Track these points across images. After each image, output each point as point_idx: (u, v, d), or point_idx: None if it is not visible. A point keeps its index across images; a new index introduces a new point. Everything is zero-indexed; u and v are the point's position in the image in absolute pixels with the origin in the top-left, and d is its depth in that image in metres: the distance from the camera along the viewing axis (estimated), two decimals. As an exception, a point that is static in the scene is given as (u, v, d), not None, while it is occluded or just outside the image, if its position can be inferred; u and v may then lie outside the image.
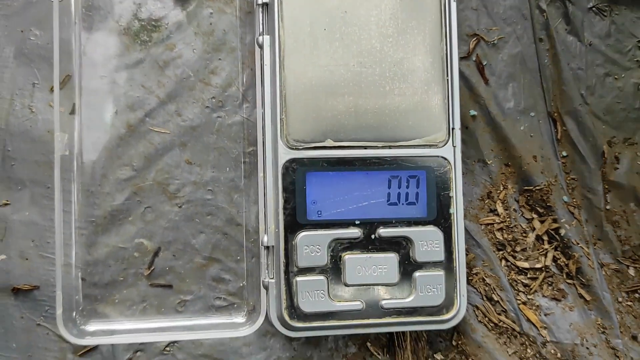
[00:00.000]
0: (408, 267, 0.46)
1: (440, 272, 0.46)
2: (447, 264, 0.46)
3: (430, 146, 0.46)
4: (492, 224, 0.51)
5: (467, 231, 0.49)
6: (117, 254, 0.47)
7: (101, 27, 0.47)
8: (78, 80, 0.47)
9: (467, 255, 0.49)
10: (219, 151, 0.48)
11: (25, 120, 0.47)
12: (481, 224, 0.51)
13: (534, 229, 0.51)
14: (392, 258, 0.46)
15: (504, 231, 0.51)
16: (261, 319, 0.45)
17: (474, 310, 0.50)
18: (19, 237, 0.47)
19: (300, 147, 0.45)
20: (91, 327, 0.46)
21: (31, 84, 0.48)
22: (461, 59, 0.50)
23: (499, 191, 0.51)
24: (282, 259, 0.45)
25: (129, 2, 0.48)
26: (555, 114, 0.52)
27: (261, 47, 0.46)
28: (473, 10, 0.52)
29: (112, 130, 0.47)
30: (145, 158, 0.47)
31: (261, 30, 0.46)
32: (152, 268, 0.47)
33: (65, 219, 0.46)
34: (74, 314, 0.46)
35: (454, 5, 0.47)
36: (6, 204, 0.47)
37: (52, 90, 0.47)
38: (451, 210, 0.46)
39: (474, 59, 0.52)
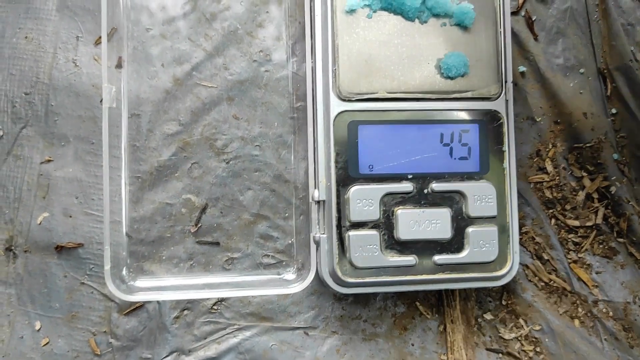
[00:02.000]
0: (461, 223, 0.45)
1: (494, 228, 0.46)
2: (500, 220, 0.46)
3: (482, 99, 0.46)
4: (542, 182, 0.51)
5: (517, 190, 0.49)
6: (163, 210, 0.47)
7: (146, -21, 0.47)
8: (125, 32, 0.46)
9: (517, 213, 0.49)
10: (267, 106, 0.48)
11: (69, 74, 0.47)
12: (530, 182, 0.51)
13: (583, 187, 0.51)
14: (445, 213, 0.45)
15: (554, 189, 0.51)
16: (311, 276, 0.45)
17: (524, 270, 0.50)
18: (63, 194, 0.47)
19: (353, 99, 0.44)
20: (139, 284, 0.46)
21: (75, 37, 0.47)
22: (511, 14, 0.50)
23: (548, 149, 0.51)
24: (335, 213, 0.44)
25: (175, -46, 0.47)
26: (605, 71, 0.51)
27: (311, -3, 0.45)
28: (521, -35, 0.51)
29: (159, 84, 0.47)
30: (192, 113, 0.47)
31: (312, -21, 0.46)
32: (199, 225, 0.47)
33: (111, 174, 0.45)
34: (122, 271, 0.46)
35: (506, -41, 0.47)
36: (49, 161, 0.47)
37: (97, 43, 0.47)
38: (504, 165, 0.46)
39: (523, 14, 0.51)
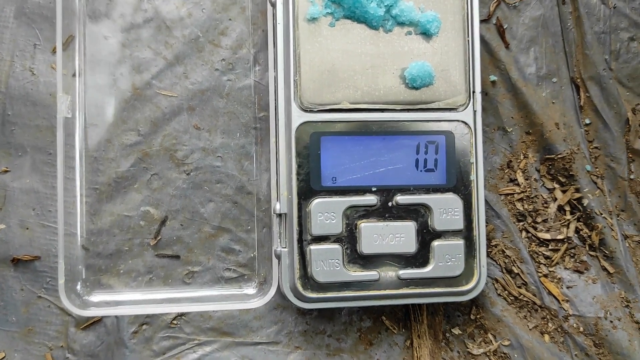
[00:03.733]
0: (426, 236, 0.44)
1: (460, 242, 0.44)
2: (467, 233, 0.45)
3: (450, 110, 0.45)
4: (512, 194, 0.50)
5: (486, 202, 0.47)
6: (122, 222, 0.45)
7: (105, -14, 0.46)
8: (81, 41, 0.45)
9: (486, 226, 0.47)
10: (229, 116, 0.46)
11: (26, 82, 0.45)
12: (501, 194, 0.50)
13: (555, 199, 0.50)
14: (409, 226, 0.44)
15: (525, 201, 0.49)
16: (273, 290, 0.44)
17: (493, 284, 0.49)
18: (19, 205, 0.45)
19: (315, 110, 0.43)
20: (95, 298, 0.45)
21: (32, 45, 0.46)
22: (481, 22, 0.49)
23: (519, 160, 0.50)
24: (296, 227, 0.43)
25: (134, -41, 0.46)
26: (578, 80, 0.50)
27: (274, 5, 0.44)
28: (493, -29, 0.50)
29: (117, 93, 0.45)
30: (151, 123, 0.46)
31: (273, -12, 0.45)
32: (158, 238, 0.46)
33: (67, 185, 0.44)
34: (77, 285, 0.44)
35: (474, -37, 0.46)
36: (6, 171, 0.45)
37: (54, 51, 0.46)
38: (471, 177, 0.45)
39: (494, 21, 0.50)
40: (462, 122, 0.45)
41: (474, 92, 0.45)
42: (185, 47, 0.46)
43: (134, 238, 0.45)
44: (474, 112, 0.45)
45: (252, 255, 0.46)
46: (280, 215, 0.44)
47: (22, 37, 0.46)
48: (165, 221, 0.46)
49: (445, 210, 0.44)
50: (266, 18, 0.46)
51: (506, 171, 0.50)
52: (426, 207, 0.44)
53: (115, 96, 0.45)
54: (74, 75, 0.45)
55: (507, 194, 0.50)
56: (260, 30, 0.47)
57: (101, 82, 0.45)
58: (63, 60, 0.43)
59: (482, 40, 0.49)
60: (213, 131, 0.46)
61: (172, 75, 0.46)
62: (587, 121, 0.50)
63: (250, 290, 0.46)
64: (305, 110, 0.43)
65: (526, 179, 0.50)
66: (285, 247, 0.44)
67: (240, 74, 0.47)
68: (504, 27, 0.50)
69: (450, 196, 0.45)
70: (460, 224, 0.44)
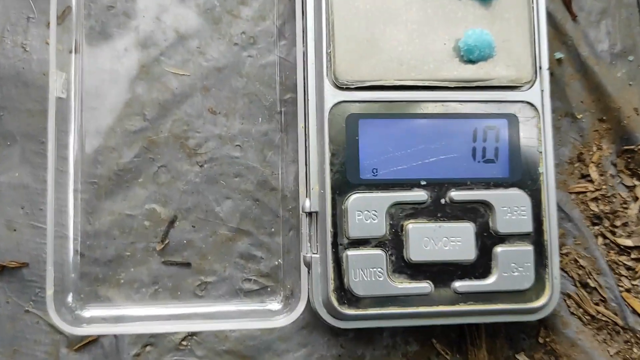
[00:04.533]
0: (487, 241, 0.37)
1: (529, 247, 0.37)
2: (536, 237, 0.37)
3: (513, 88, 0.38)
4: (585, 192, 0.42)
5: (554, 201, 0.40)
6: (123, 223, 0.39)
7: (108, -51, 0.40)
8: (80, 12, 0.39)
9: (555, 230, 0.40)
10: (250, 98, 0.40)
11: (17, 61, 0.40)
12: (571, 193, 0.42)
13: (637, 199, 0.42)
14: (467, 228, 0.37)
15: (600, 201, 0.42)
16: (301, 306, 0.37)
17: (565, 300, 0.41)
18: (6, 203, 0.39)
19: (352, 87, 0.36)
20: (90, 313, 0.38)
21: (25, 17, 0.40)
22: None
23: (592, 152, 0.42)
24: (330, 228, 0.36)
25: None
26: (659, 58, 0.43)
27: (303, -32, 0.38)
28: None
29: (120, 71, 0.39)
30: (159, 105, 0.40)
31: (303, -50, 0.39)
32: (166, 242, 0.39)
33: (59, 179, 0.38)
34: (69, 297, 0.38)
35: None
36: (-9, 163, 0.39)
37: (49, 25, 0.40)
38: (540, 170, 0.37)
39: (559, -10, 0.43)
40: (528, 103, 0.38)
41: (540, 67, 0.38)
42: (199, 18, 0.40)
43: (137, 242, 0.39)
44: (542, 91, 0.38)
45: (276, 263, 0.39)
46: (310, 214, 0.37)
47: (14, 9, 0.40)
48: (174, 222, 0.39)
49: (510, 208, 0.37)
50: (293, -15, 0.40)
51: (576, 165, 0.42)
52: (486, 204, 0.37)
53: (117, 75, 0.39)
54: (70, 51, 0.39)
55: (579, 193, 0.42)
56: (286, -1, 0.41)
57: (102, 58, 0.39)
58: (58, 34, 0.38)
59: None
60: (231, 116, 0.40)
61: (184, 50, 0.40)
62: (672, 106, 0.43)
63: (275, 305, 0.39)
64: (341, 88, 0.36)
65: (601, 175, 0.42)
66: (316, 253, 0.36)
67: (262, 49, 0.40)
68: (571, -3, 0.43)
69: (515, 192, 0.37)
70: (528, 226, 0.37)
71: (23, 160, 0.39)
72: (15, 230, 0.39)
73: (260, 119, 0.40)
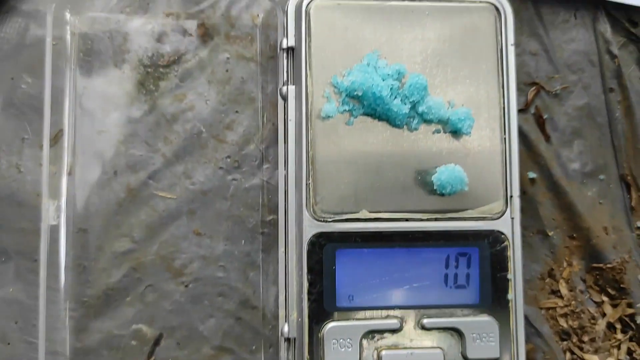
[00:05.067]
0: (457, 365, 0.39)
1: (496, 372, 0.39)
2: (504, 362, 0.39)
3: (483, 218, 0.39)
4: (555, 308, 0.44)
5: (525, 317, 0.41)
6: (111, 341, 0.40)
7: (101, 74, 0.41)
8: (72, 135, 0.41)
9: (525, 344, 0.41)
10: (234, 220, 0.42)
11: (11, 181, 0.41)
12: (541, 308, 0.44)
13: (604, 315, 0.43)
14: (437, 355, 0.38)
15: (569, 317, 0.43)
16: None
17: (534, 413, 0.43)
18: (1, 317, 0.41)
19: (330, 219, 0.38)
20: None
21: (20, 139, 0.42)
22: (518, 111, 0.43)
23: (562, 268, 0.44)
24: (306, 355, 0.37)
25: (134, 46, 0.42)
26: (629, 177, 0.44)
27: (285, 98, 0.40)
28: (531, 55, 0.45)
29: (110, 194, 0.41)
30: (147, 228, 0.41)
31: (285, 79, 0.40)
32: (152, 359, 0.40)
33: (52, 298, 0.40)
34: (58, 415, 0.39)
35: (512, 50, 0.41)
36: (-13, 278, 0.41)
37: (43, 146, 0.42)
38: (509, 296, 0.39)
39: (532, 111, 0.45)
40: (498, 232, 0.39)
41: (511, 196, 0.40)
42: (186, 143, 0.42)
43: (125, 359, 0.40)
44: (512, 219, 0.40)
45: (257, 379, 0.41)
46: (288, 339, 0.38)
47: (9, 130, 0.42)
48: (160, 340, 0.40)
49: (479, 335, 0.38)
50: (277, 111, 0.41)
51: (547, 281, 0.44)
52: (457, 331, 0.38)
53: (107, 198, 0.41)
54: (62, 174, 0.40)
55: (549, 308, 0.44)
56: (270, 123, 0.42)
57: (92, 181, 0.41)
58: (51, 157, 0.39)
59: (520, 132, 0.43)
60: (215, 237, 0.41)
61: (171, 174, 0.41)
62: (639, 224, 0.44)
63: (255, 423, 0.41)
64: (319, 220, 0.38)
65: (570, 291, 0.44)
66: (294, 377, 0.38)
67: (247, 173, 0.42)
68: (544, 118, 0.44)
69: (485, 318, 0.39)
70: (496, 352, 0.38)
71: (17, 277, 0.41)
72: (9, 344, 0.40)
73: (243, 240, 0.41)
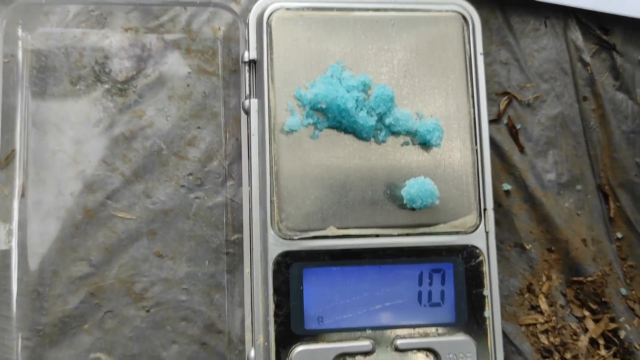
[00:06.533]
0: (433, 388, 0.38)
1: (474, 394, 0.38)
2: (483, 383, 0.38)
3: (457, 233, 0.39)
4: (535, 324, 0.43)
5: (504, 335, 0.41)
6: (68, 372, 0.39)
7: (55, 92, 0.41)
8: (25, 155, 0.40)
9: (505, 364, 0.41)
10: (197, 240, 0.41)
11: (-40, 205, 0.40)
12: (521, 325, 0.43)
13: (586, 330, 0.43)
14: (412, 377, 0.37)
15: (550, 333, 0.43)
16: None
17: None
18: (-51, 349, 0.39)
19: (296, 237, 0.37)
20: None
21: (-30, 160, 0.41)
22: (490, 122, 0.43)
23: (541, 283, 0.43)
24: (274, 382, 0.36)
25: (90, 61, 0.41)
26: (606, 187, 0.44)
27: (247, 112, 0.39)
28: (502, 64, 0.45)
29: (66, 216, 0.40)
30: (105, 250, 0.40)
31: (248, 92, 0.40)
32: (111, 389, 0.39)
33: (4, 325, 0.38)
34: None
35: (481, 59, 0.41)
36: None
37: (-6, 168, 0.40)
38: (486, 314, 0.38)
39: (505, 122, 0.44)
40: (472, 246, 0.39)
41: (485, 209, 0.39)
42: (145, 161, 0.41)
43: (82, 390, 0.39)
44: (486, 233, 0.39)
45: (224, 409, 0.40)
46: (255, 364, 0.37)
47: (-42, 152, 0.41)
48: (120, 369, 0.39)
49: (456, 355, 0.38)
50: (240, 126, 0.41)
51: (526, 296, 0.43)
52: (432, 352, 0.38)
53: (63, 220, 0.39)
54: (14, 196, 0.39)
55: (529, 325, 0.43)
56: (234, 138, 0.42)
57: (47, 203, 0.39)
58: (2, 179, 0.38)
59: (493, 143, 0.43)
60: (178, 259, 0.40)
61: (130, 194, 0.40)
62: (619, 235, 0.44)
63: None
64: (285, 238, 0.37)
65: (550, 306, 0.43)
66: (261, 404, 0.37)
67: (210, 191, 0.41)
68: (517, 128, 0.44)
69: (461, 337, 0.38)
70: (474, 373, 0.38)
71: (-34, 306, 0.40)
72: (-42, 378, 0.39)
73: (207, 261, 0.40)
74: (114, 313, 0.39)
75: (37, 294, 0.39)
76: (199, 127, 0.41)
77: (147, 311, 0.40)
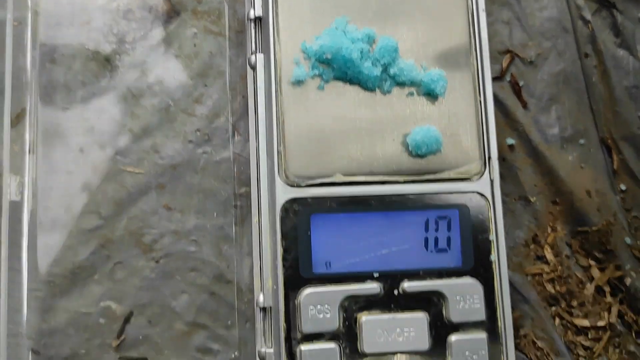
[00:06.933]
0: (441, 330, 0.38)
1: (482, 335, 0.38)
2: (490, 325, 0.38)
3: (462, 180, 0.39)
4: (541, 274, 0.43)
5: (511, 284, 0.41)
6: (79, 320, 0.40)
7: (64, 51, 0.42)
8: (35, 113, 0.41)
9: (512, 312, 0.41)
10: (205, 194, 0.41)
11: (-27, 161, 0.41)
12: (527, 275, 0.43)
13: (592, 279, 0.43)
14: (420, 319, 0.38)
15: (556, 282, 0.43)
16: None
17: (525, 383, 0.42)
18: (-40, 301, 0.40)
19: (303, 184, 0.38)
20: (45, 414, 0.38)
21: (-18, 119, 0.42)
22: (493, 79, 0.44)
23: (546, 234, 0.44)
24: (283, 323, 0.37)
25: (98, 21, 0.42)
26: (609, 141, 0.45)
27: (254, 67, 0.40)
28: (504, 23, 0.46)
29: (76, 171, 0.41)
30: (115, 204, 0.41)
31: (254, 48, 0.41)
32: (122, 337, 0.40)
33: (13, 278, 0.39)
34: (23, 399, 0.38)
35: (483, 16, 0.42)
36: (-52, 263, 0.40)
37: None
38: (492, 258, 0.39)
39: (508, 79, 0.45)
40: (478, 193, 0.39)
41: (489, 158, 0.40)
42: (154, 117, 0.42)
43: (93, 338, 0.39)
44: (491, 181, 0.40)
45: (233, 355, 0.40)
46: (264, 309, 0.38)
47: (-29, 111, 0.42)
48: (130, 318, 0.40)
49: (463, 297, 0.38)
50: (246, 83, 0.42)
51: (532, 247, 0.44)
52: (439, 294, 0.38)
53: (72, 175, 0.41)
54: (25, 152, 0.40)
55: (535, 274, 0.43)
56: (240, 96, 0.43)
57: (57, 159, 0.41)
58: (13, 136, 0.39)
59: (496, 100, 0.44)
60: (186, 211, 0.41)
61: (138, 149, 0.41)
62: (623, 187, 0.45)
63: (232, 401, 0.40)
64: (292, 185, 0.38)
65: (556, 256, 0.44)
66: (270, 348, 0.37)
67: (217, 146, 0.42)
68: (520, 85, 0.45)
69: (468, 281, 0.39)
70: (481, 314, 0.38)
71: (-21, 260, 0.40)
72: (-29, 330, 0.40)
73: (215, 213, 0.41)
74: (123, 264, 0.40)
75: (47, 247, 0.40)
76: (205, 85, 0.43)
77: (157, 262, 0.41)
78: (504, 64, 0.45)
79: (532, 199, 0.44)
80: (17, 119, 0.40)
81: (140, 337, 0.40)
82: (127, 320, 0.40)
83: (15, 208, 0.39)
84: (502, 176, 0.43)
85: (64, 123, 0.41)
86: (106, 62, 0.42)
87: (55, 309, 0.39)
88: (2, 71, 0.41)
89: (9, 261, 0.38)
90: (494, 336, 0.38)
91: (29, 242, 0.40)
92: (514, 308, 0.42)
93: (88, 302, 0.40)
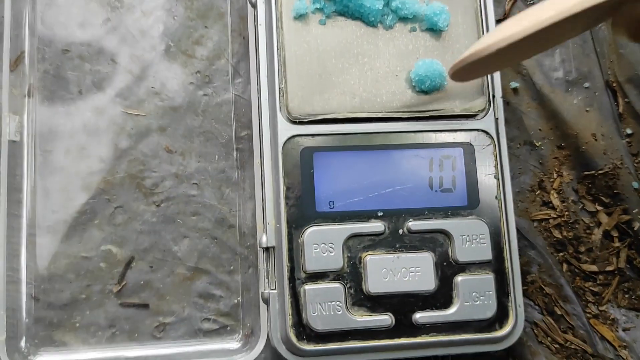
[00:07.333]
0: (447, 270, 0.38)
1: (489, 275, 0.38)
2: (497, 265, 0.38)
3: (467, 117, 0.39)
4: (547, 219, 0.43)
5: (517, 230, 0.40)
6: (79, 266, 0.39)
7: (63, -7, 0.41)
8: (34, 55, 0.40)
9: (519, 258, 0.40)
10: (206, 136, 0.41)
11: (-30, 106, 0.41)
12: (534, 220, 0.43)
13: (600, 224, 0.43)
14: (426, 258, 0.37)
15: (563, 228, 0.43)
16: (261, 344, 0.38)
17: (533, 329, 0.41)
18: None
19: (305, 121, 0.38)
20: (44, 358, 0.38)
21: (-21, 63, 0.41)
22: (496, 22, 0.43)
23: (552, 179, 0.43)
24: (286, 263, 0.36)
25: (96, -35, 0.42)
26: (614, 84, 0.44)
27: (254, 5, 0.40)
28: (506, -34, 0.46)
29: (75, 113, 0.40)
30: (115, 146, 0.40)
31: (254, -13, 0.40)
32: (123, 283, 0.39)
33: (12, 223, 0.38)
34: (23, 342, 0.38)
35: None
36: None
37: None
38: (497, 196, 0.39)
39: (511, 22, 0.45)
40: (483, 131, 0.39)
41: (494, 96, 0.40)
42: (154, 59, 0.41)
43: (94, 284, 0.39)
44: (496, 119, 0.39)
45: (235, 301, 0.40)
46: (267, 249, 0.37)
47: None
48: (131, 263, 0.39)
49: (469, 237, 0.38)
50: (247, 24, 0.41)
51: (538, 193, 0.43)
52: (445, 233, 0.38)
53: (73, 117, 0.40)
54: (24, 95, 0.40)
55: (542, 220, 0.43)
56: (241, 37, 0.42)
57: (56, 101, 0.40)
58: (12, 79, 0.39)
59: (499, 42, 0.44)
60: (187, 154, 0.41)
61: (139, 91, 0.41)
62: (629, 131, 0.44)
63: (234, 344, 0.39)
64: (294, 122, 0.37)
65: (562, 201, 0.43)
66: (274, 289, 0.37)
67: (218, 88, 0.41)
68: (524, 28, 0.45)
69: (474, 220, 0.38)
70: (488, 254, 0.38)
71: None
72: (-32, 276, 0.39)
73: (217, 156, 0.41)
74: (124, 208, 0.40)
75: (46, 190, 0.39)
76: (206, 27, 0.42)
77: (158, 206, 0.40)
78: (507, 6, 0.45)
79: (537, 144, 0.44)
80: (16, 63, 0.40)
81: (142, 283, 0.39)
82: (128, 265, 0.39)
83: (15, 149, 0.38)
84: (507, 120, 0.42)
85: (63, 65, 0.41)
86: (105, 3, 0.41)
87: (55, 254, 0.39)
88: (2, 12, 0.40)
89: (8, 207, 0.38)
90: (502, 277, 0.38)
91: (28, 185, 0.39)
92: (520, 254, 0.41)
93: (88, 247, 0.39)
